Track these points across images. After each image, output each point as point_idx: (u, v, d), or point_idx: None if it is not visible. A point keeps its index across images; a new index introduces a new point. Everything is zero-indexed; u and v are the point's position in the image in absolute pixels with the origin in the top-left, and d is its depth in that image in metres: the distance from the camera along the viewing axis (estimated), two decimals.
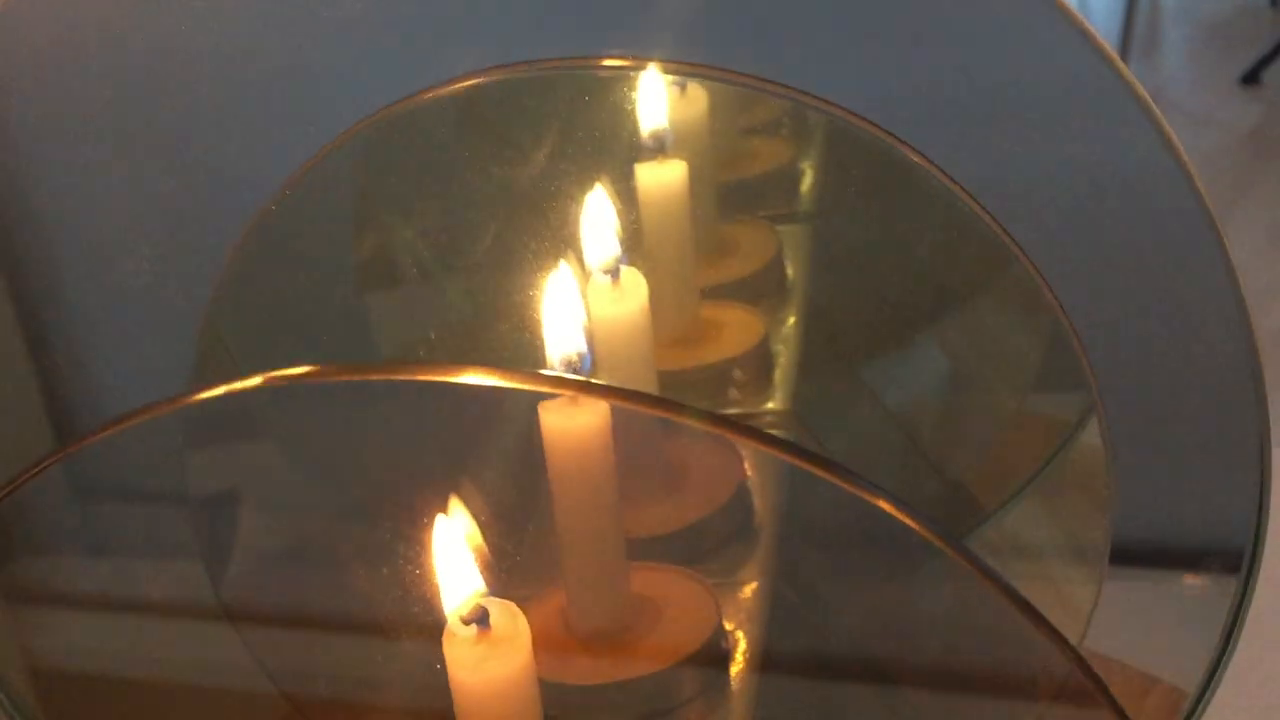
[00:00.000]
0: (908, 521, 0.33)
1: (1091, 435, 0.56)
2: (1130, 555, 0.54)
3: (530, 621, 0.46)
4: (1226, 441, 0.53)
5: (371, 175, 0.54)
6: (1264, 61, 2.53)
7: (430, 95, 0.48)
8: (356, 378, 0.28)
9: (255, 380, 0.27)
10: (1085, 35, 0.47)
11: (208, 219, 0.51)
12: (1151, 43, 2.80)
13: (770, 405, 0.56)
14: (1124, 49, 2.54)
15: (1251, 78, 2.53)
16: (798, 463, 0.32)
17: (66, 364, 0.57)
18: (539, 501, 0.46)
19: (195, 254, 0.50)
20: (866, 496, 0.33)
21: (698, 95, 0.58)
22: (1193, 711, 0.46)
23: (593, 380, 0.29)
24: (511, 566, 0.47)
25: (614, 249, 0.47)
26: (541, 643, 0.37)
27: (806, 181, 0.68)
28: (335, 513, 0.52)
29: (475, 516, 0.36)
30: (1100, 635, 0.53)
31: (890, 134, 0.56)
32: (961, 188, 0.56)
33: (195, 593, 0.52)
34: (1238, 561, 0.48)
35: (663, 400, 0.29)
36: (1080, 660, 0.35)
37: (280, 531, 0.51)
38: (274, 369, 0.56)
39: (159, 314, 0.53)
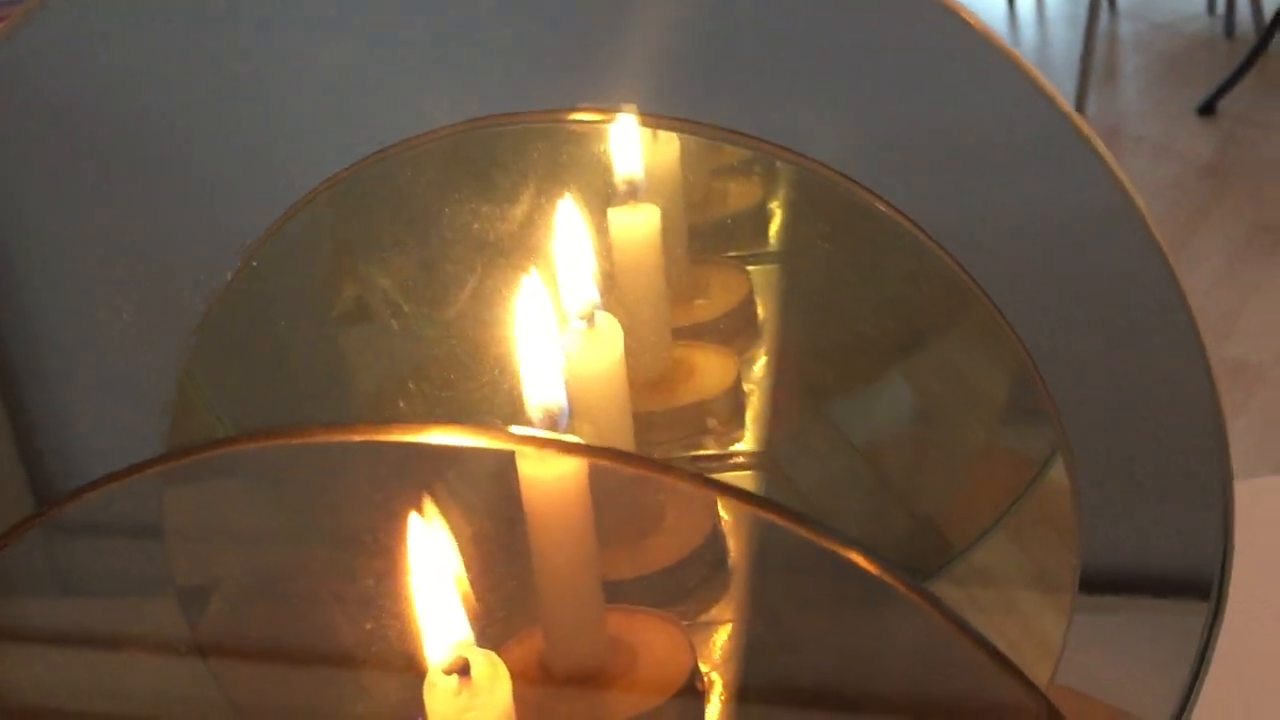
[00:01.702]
0: (880, 574, 0.34)
1: (1059, 471, 0.57)
2: (1100, 585, 0.55)
3: (506, 663, 0.47)
4: (1191, 471, 0.53)
5: (348, 226, 0.54)
6: (1220, 92, 2.56)
7: (406, 147, 0.49)
8: (326, 439, 0.28)
9: (229, 444, 0.28)
10: (1035, 83, 0.49)
11: (184, 271, 0.51)
12: (1109, 74, 2.84)
13: (743, 445, 0.57)
14: (1082, 81, 2.56)
15: (1208, 108, 2.57)
16: (774, 518, 0.33)
17: (41, 412, 0.57)
18: (514, 541, 0.47)
19: (171, 305, 0.51)
20: (839, 550, 0.34)
21: (669, 140, 0.59)
22: None
23: (569, 438, 0.30)
24: (487, 607, 0.47)
25: (591, 295, 0.48)
26: (518, 686, 0.38)
27: (776, 222, 0.68)
28: (312, 549, 0.52)
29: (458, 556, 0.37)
30: (1071, 668, 0.53)
31: (854, 181, 0.57)
32: (922, 230, 0.57)
33: (169, 629, 0.52)
34: (1207, 589, 0.49)
35: (644, 459, 0.29)
36: (1050, 706, 0.36)
37: (256, 568, 0.51)
38: (251, 418, 0.57)
39: (135, 364, 0.53)
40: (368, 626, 0.43)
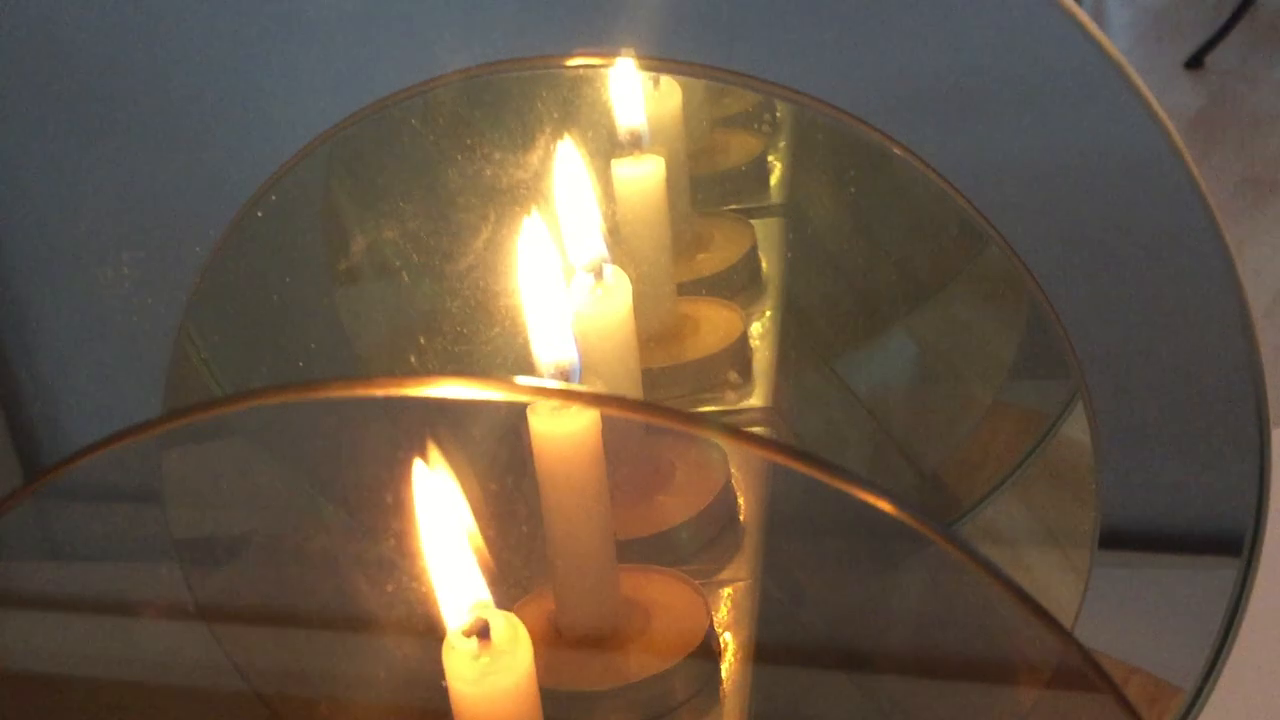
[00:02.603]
0: (910, 521, 0.33)
1: (1072, 426, 0.56)
2: (1123, 541, 0.54)
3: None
4: (1222, 421, 0.52)
5: (348, 178, 0.53)
6: (1207, 46, 2.55)
7: (404, 96, 0.47)
8: (338, 394, 0.27)
9: (235, 402, 0.27)
10: (1074, 19, 0.47)
11: (183, 226, 0.50)
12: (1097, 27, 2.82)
13: (751, 401, 0.56)
14: None
15: (1195, 62, 2.55)
16: (801, 467, 0.32)
17: (34, 373, 0.56)
18: (524, 499, 0.46)
19: (171, 261, 0.49)
20: (868, 497, 0.32)
21: (671, 89, 0.58)
22: (1193, 704, 0.46)
23: (577, 388, 0.29)
24: (496, 566, 0.46)
25: (599, 249, 0.46)
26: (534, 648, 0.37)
27: (778, 173, 0.67)
28: (318, 509, 0.51)
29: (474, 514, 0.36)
30: (1090, 629, 0.52)
31: (866, 123, 0.55)
32: (938, 173, 0.56)
33: (170, 593, 0.51)
34: (1238, 546, 0.48)
35: (660, 408, 0.28)
36: (1080, 649, 0.35)
37: (258, 530, 0.50)
38: (251, 377, 0.55)
39: (131, 321, 0.52)
40: (380, 589, 0.42)
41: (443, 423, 0.47)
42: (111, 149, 0.50)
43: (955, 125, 0.62)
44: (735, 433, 0.29)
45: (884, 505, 0.33)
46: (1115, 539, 0.53)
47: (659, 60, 0.50)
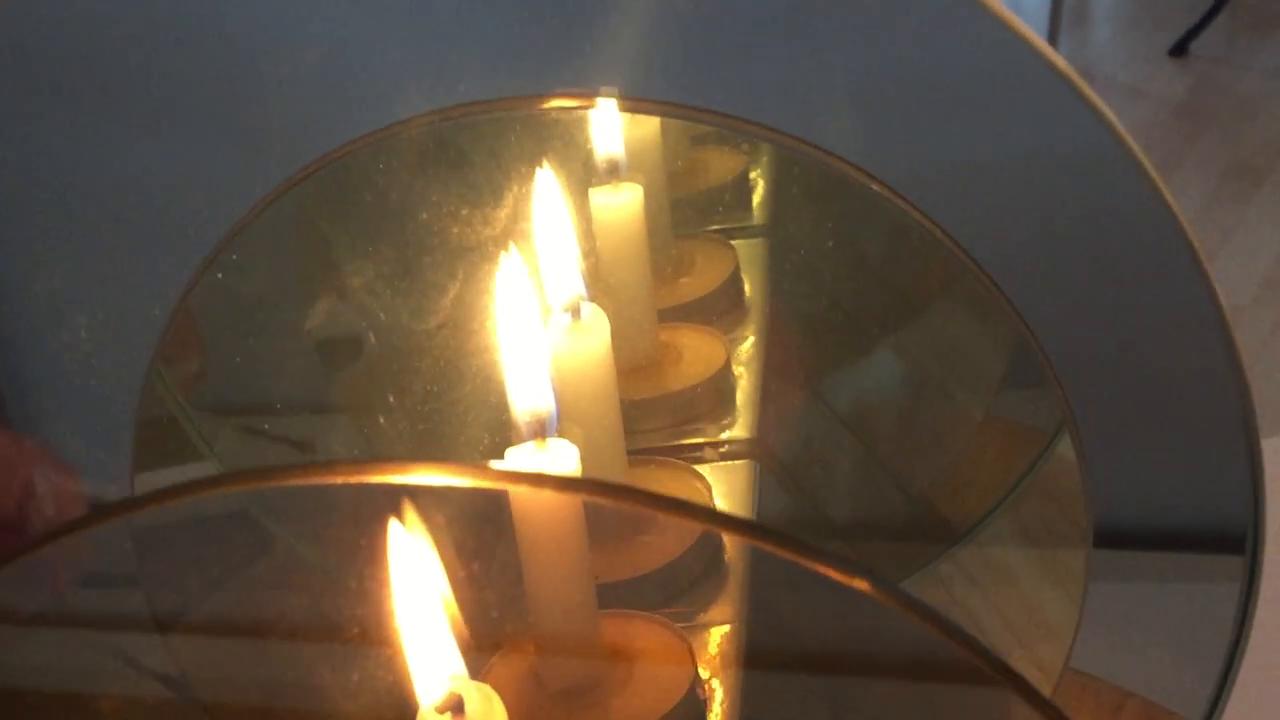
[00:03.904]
0: (890, 602, 0.32)
1: (1067, 445, 0.55)
2: (1125, 543, 0.53)
3: (497, 678, 0.45)
4: (1209, 426, 0.51)
5: (315, 222, 0.52)
6: (1192, 33, 2.54)
7: (375, 138, 0.46)
8: (305, 481, 0.26)
9: (202, 488, 0.25)
10: (1006, 24, 0.46)
11: (142, 286, 0.49)
12: (1081, 16, 2.81)
13: (735, 432, 0.55)
14: (1053, 23, 2.54)
15: (1180, 49, 2.55)
16: (774, 549, 0.31)
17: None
18: (501, 544, 0.44)
19: (131, 321, 0.48)
20: (846, 580, 0.31)
21: (648, 116, 0.56)
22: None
23: (564, 475, 0.28)
24: (471, 617, 0.45)
25: (576, 287, 0.45)
26: (512, 704, 0.36)
27: (759, 194, 0.66)
28: (287, 565, 0.50)
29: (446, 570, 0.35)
30: (1089, 651, 0.51)
31: (834, 155, 0.54)
32: (908, 201, 0.54)
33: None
34: (1237, 548, 0.47)
35: (637, 493, 0.27)
36: (1027, 690, 0.34)
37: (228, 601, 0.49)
38: (223, 426, 0.54)
39: (98, 375, 0.50)
40: (350, 660, 0.41)
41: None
42: (67, 213, 0.49)
43: (919, 142, 0.61)
44: (717, 517, 0.28)
45: (862, 587, 0.32)
46: (1113, 543, 0.51)
47: (640, 101, 0.49)
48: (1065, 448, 0.55)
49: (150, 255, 0.48)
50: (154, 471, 0.53)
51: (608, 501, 0.26)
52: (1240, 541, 0.47)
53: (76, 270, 0.49)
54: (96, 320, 0.48)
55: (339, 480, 0.26)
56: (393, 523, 0.34)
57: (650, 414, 0.55)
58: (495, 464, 0.28)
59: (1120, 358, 0.53)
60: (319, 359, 0.54)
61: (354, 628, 0.40)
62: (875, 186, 0.50)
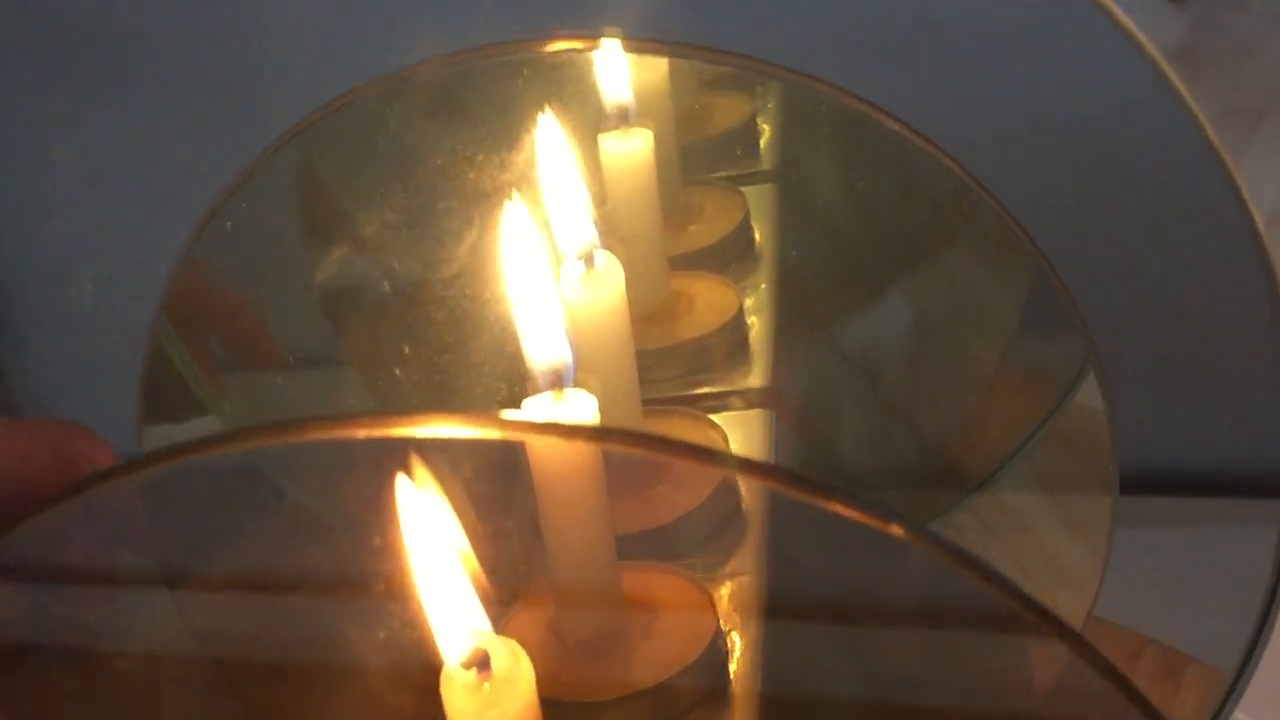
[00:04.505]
0: (923, 544, 0.31)
1: (1085, 393, 0.54)
2: (1154, 488, 0.52)
3: (515, 632, 0.44)
4: (1244, 365, 0.50)
5: (323, 170, 0.51)
6: None
7: (381, 83, 0.45)
8: (320, 436, 0.25)
9: (214, 445, 0.25)
10: None
11: (149, 231, 0.48)
12: None
13: (749, 381, 0.54)
14: None
15: None
16: (816, 500, 0.30)
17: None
18: (514, 498, 0.44)
19: (138, 267, 0.47)
20: (880, 525, 0.31)
21: (656, 59, 0.55)
22: (1235, 682, 0.44)
23: (592, 425, 0.27)
24: (490, 570, 0.45)
25: (589, 234, 0.44)
26: (532, 655, 0.35)
27: (767, 137, 0.65)
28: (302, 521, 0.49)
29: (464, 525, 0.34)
30: (1114, 600, 0.50)
31: (850, 93, 0.53)
32: (923, 136, 0.53)
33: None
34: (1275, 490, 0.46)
35: (664, 441, 0.26)
36: (1090, 650, 0.33)
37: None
38: (230, 377, 0.53)
39: (100, 330, 0.50)
40: (370, 617, 0.40)
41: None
42: (72, 166, 0.48)
43: (934, 76, 0.60)
44: (751, 466, 0.27)
45: (897, 531, 0.31)
46: (1139, 489, 0.50)
47: (644, 41, 0.48)
48: (1083, 394, 0.54)
49: (155, 206, 0.48)
50: (161, 425, 0.52)
51: (643, 453, 0.25)
52: (1278, 485, 0.46)
53: (83, 223, 0.48)
54: (103, 274, 0.47)
55: (357, 435, 0.25)
56: (405, 477, 0.33)
57: (662, 363, 0.54)
58: (512, 413, 0.27)
59: (1147, 296, 0.52)
60: (329, 310, 0.53)
61: (370, 583, 0.39)
62: (892, 124, 0.49)
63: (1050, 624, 0.32)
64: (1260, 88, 2.24)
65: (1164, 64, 0.47)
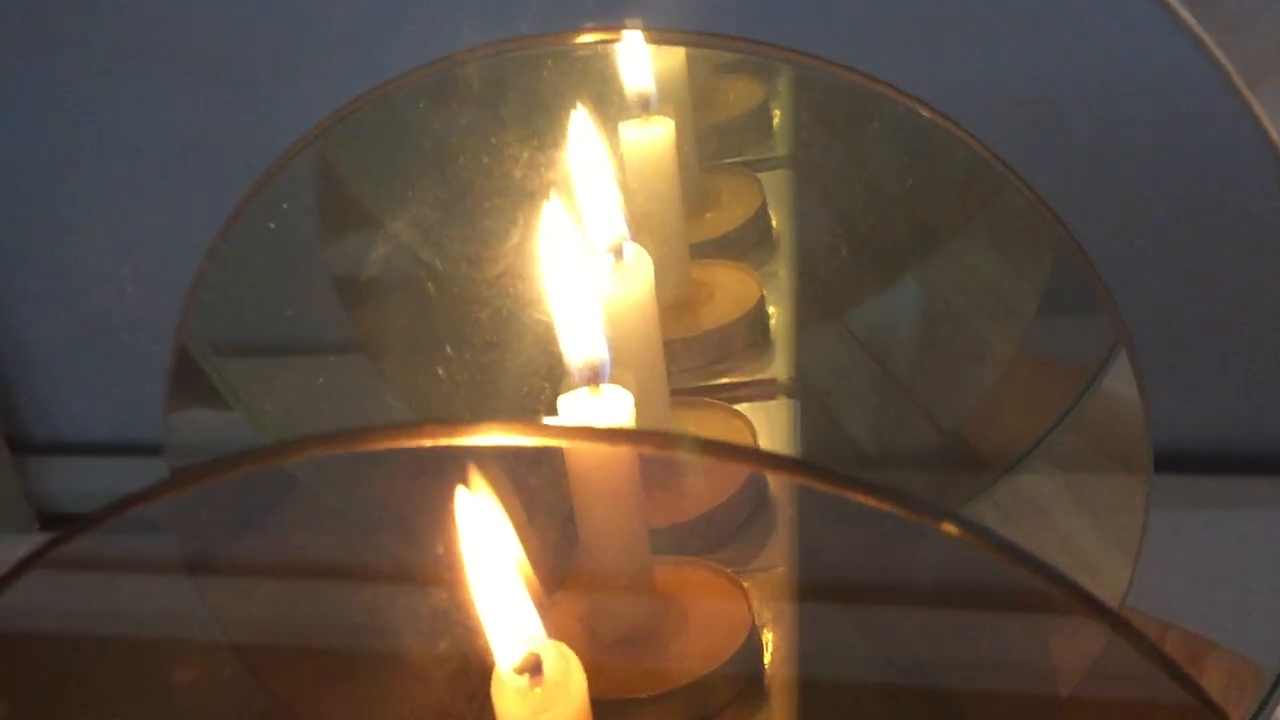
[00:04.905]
0: (971, 539, 0.31)
1: (1112, 379, 0.54)
2: (1189, 468, 0.51)
3: (550, 629, 0.44)
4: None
5: (349, 167, 0.50)
6: None
7: (412, 76, 0.44)
8: (376, 447, 0.25)
9: (277, 455, 0.24)
10: None
11: (182, 226, 0.47)
12: None
13: (772, 371, 0.54)
14: None
15: None
16: (868, 500, 0.30)
17: (31, 386, 0.53)
18: (550, 491, 0.43)
19: (169, 267, 0.46)
20: (931, 524, 0.30)
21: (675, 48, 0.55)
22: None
23: (619, 427, 0.26)
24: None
25: (618, 227, 0.44)
26: None
27: (782, 120, 0.65)
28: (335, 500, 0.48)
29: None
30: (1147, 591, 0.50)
31: (870, 76, 0.53)
32: (956, 123, 0.53)
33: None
34: None
35: (706, 443, 0.26)
36: (1134, 633, 0.33)
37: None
38: (257, 383, 0.53)
39: (128, 331, 0.49)
40: (422, 619, 0.40)
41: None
42: (100, 155, 0.47)
43: (950, 54, 0.59)
44: (792, 465, 0.27)
45: (949, 530, 0.31)
46: (1171, 469, 0.50)
47: (665, 32, 0.48)
48: (1108, 381, 0.54)
49: (188, 199, 0.47)
50: (187, 411, 0.52)
51: (675, 454, 0.25)
52: None
53: (116, 219, 0.47)
54: (138, 270, 0.46)
55: (398, 445, 0.25)
56: (459, 484, 0.33)
57: (686, 353, 0.54)
58: (551, 419, 0.27)
59: (1177, 272, 0.52)
60: (359, 303, 0.52)
61: (422, 586, 0.39)
62: (924, 112, 0.48)
63: (1099, 611, 0.32)
64: (1254, 61, 2.24)
65: (1199, 30, 0.46)
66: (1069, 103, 0.54)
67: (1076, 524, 0.57)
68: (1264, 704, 0.44)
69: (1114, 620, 0.32)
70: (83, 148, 0.50)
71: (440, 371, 0.47)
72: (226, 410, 0.50)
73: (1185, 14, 0.45)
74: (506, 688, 0.32)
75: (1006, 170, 0.52)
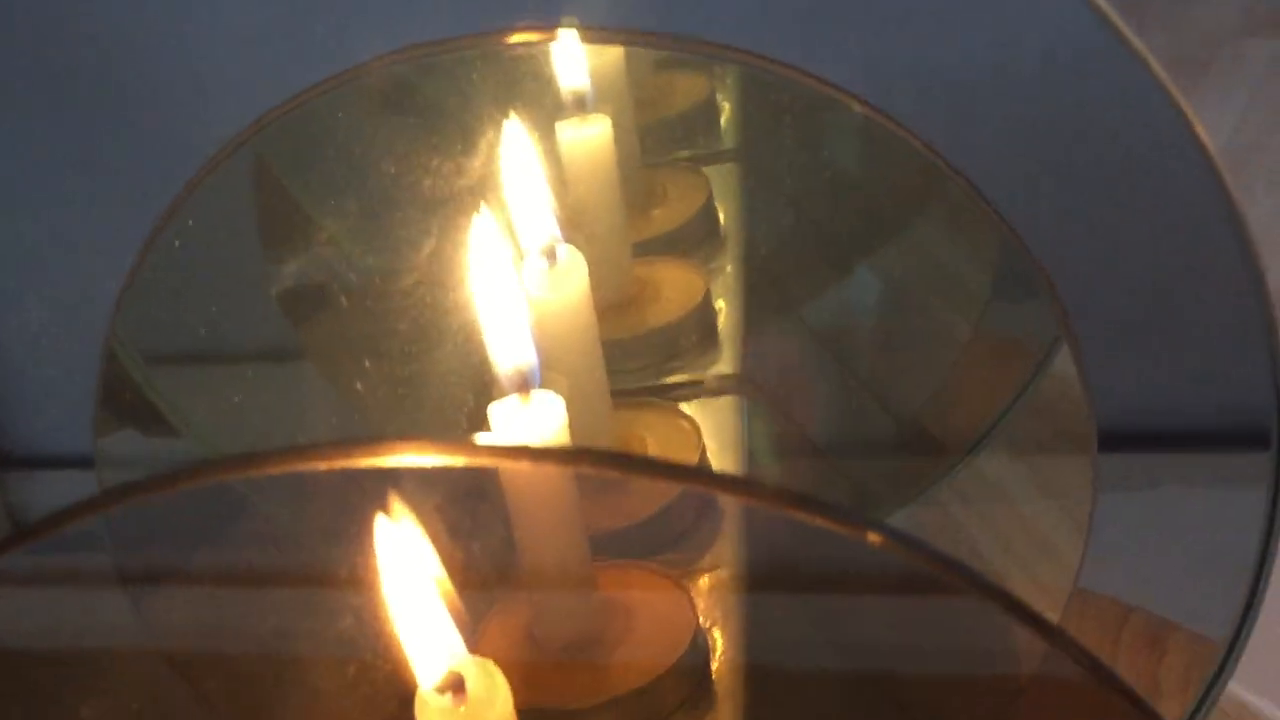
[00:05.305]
0: (904, 553, 0.31)
1: (1065, 360, 0.53)
2: (1131, 446, 0.51)
3: (493, 638, 0.43)
4: (1222, 321, 0.50)
5: (276, 175, 0.50)
6: None
7: (330, 84, 0.44)
8: (270, 471, 0.24)
9: (168, 483, 0.24)
10: None
11: (100, 247, 0.47)
12: None
13: (719, 367, 0.53)
14: None
15: None
16: (784, 509, 0.29)
17: None
18: (484, 501, 0.43)
19: (94, 281, 0.46)
20: (854, 534, 0.30)
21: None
22: (1229, 652, 0.43)
23: (564, 448, 0.26)
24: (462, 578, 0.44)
25: (550, 229, 0.43)
26: (510, 664, 0.34)
27: (726, 116, 0.64)
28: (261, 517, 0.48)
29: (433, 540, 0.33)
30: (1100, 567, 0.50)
31: (809, 74, 0.52)
32: (879, 111, 0.52)
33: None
34: (1264, 438, 0.45)
35: (641, 461, 0.25)
36: (1076, 648, 0.32)
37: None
38: (187, 397, 0.52)
39: (57, 346, 0.48)
40: (341, 641, 0.39)
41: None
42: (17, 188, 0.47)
43: (884, 46, 0.59)
44: (731, 483, 0.27)
45: (873, 539, 0.30)
46: (1119, 447, 0.49)
47: (600, 30, 0.47)
48: (1060, 362, 0.54)
49: (106, 221, 0.46)
50: (116, 434, 0.51)
51: (608, 473, 0.24)
52: (1264, 436, 0.45)
53: (33, 243, 0.47)
54: (57, 291, 0.46)
55: (326, 465, 0.24)
56: (379, 500, 0.32)
57: (631, 353, 0.53)
58: (483, 436, 0.26)
59: (1115, 253, 0.51)
60: (288, 323, 0.52)
61: (339, 607, 0.39)
62: (856, 106, 0.48)
63: (1034, 622, 0.31)
64: (1207, 36, 2.24)
65: (1115, 17, 0.46)
66: (1000, 89, 0.53)
67: (1034, 506, 0.56)
68: (1210, 686, 0.44)
69: (1049, 632, 0.31)
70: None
71: (359, 387, 0.46)
72: (159, 421, 0.50)
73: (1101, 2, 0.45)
74: (430, 707, 0.31)
75: (939, 161, 0.52)
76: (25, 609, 0.45)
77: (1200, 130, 0.46)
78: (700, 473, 0.26)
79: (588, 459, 0.25)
